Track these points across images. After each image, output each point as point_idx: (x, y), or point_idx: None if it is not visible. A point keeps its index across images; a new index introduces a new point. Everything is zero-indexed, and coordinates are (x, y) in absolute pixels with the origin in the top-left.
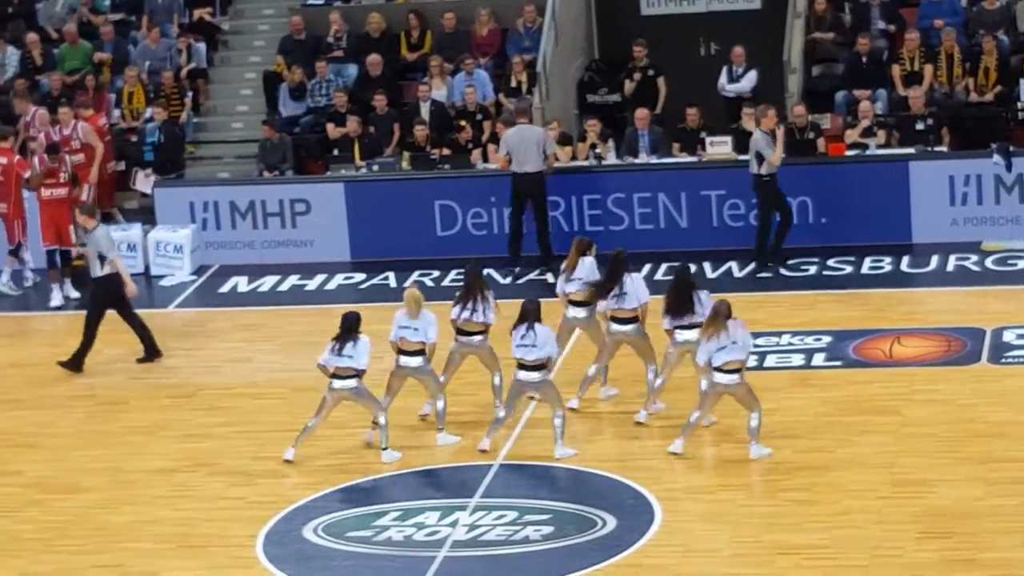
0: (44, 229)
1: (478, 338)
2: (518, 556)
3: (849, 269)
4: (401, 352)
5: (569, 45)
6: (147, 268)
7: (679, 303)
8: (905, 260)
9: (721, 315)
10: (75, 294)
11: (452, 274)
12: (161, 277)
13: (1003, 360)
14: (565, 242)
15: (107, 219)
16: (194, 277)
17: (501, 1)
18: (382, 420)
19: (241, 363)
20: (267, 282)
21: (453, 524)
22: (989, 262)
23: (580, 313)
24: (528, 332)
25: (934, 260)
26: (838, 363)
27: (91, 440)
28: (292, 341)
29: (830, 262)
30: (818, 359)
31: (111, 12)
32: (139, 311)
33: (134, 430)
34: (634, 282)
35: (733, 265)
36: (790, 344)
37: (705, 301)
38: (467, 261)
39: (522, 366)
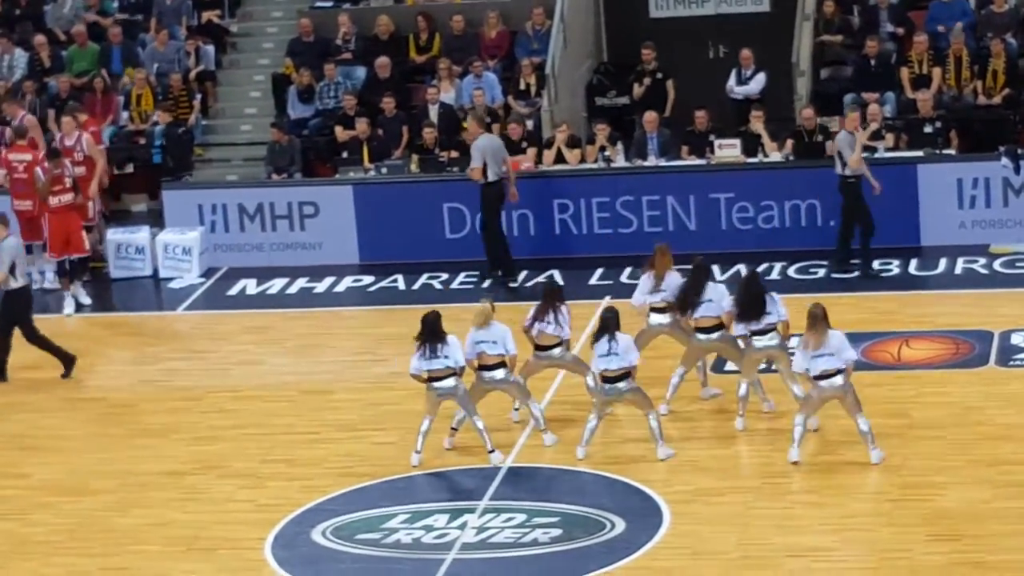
0: (52, 239)
1: (557, 351)
2: (527, 559)
3: (858, 272)
4: (482, 367)
5: (578, 47)
6: (156, 271)
7: (751, 307)
8: (913, 263)
9: (819, 320)
10: (87, 300)
11: (461, 277)
12: (170, 280)
13: (1011, 363)
14: (560, 247)
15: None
16: (203, 280)
17: (510, 4)
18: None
19: (250, 366)
20: (276, 284)
21: (462, 527)
22: (997, 265)
23: (664, 319)
24: (610, 342)
25: (942, 263)
26: None
27: (100, 443)
28: (301, 344)
29: None
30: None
31: (119, 13)
32: (147, 314)
33: (143, 433)
34: (716, 290)
35: (741, 268)
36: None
37: (777, 302)
38: (476, 264)
39: (606, 378)
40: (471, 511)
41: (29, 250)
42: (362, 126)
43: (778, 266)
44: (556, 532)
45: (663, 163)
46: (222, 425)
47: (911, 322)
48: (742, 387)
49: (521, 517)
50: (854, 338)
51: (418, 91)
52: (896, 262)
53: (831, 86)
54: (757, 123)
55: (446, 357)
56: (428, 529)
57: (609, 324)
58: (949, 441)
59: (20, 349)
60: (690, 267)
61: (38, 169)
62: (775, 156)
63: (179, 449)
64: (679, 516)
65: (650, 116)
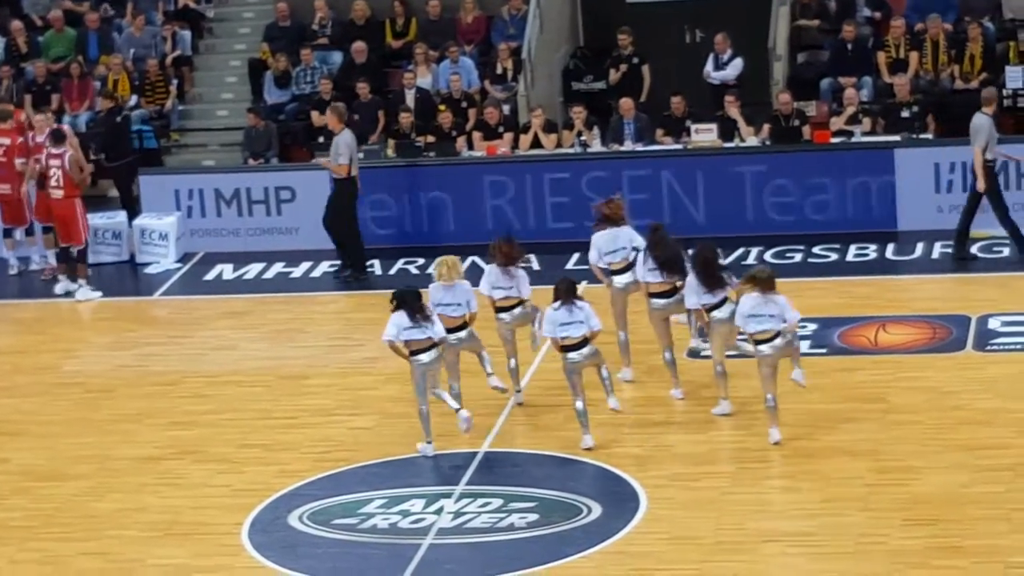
0: (55, 227)
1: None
2: (503, 543)
3: (834, 256)
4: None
5: (554, 32)
6: (132, 256)
7: (709, 279)
8: (890, 247)
9: (763, 282)
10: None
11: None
12: (146, 265)
13: (988, 347)
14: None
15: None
16: (179, 265)
17: None
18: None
19: (226, 351)
20: (252, 270)
21: (438, 512)
22: (975, 249)
23: (627, 279)
24: (571, 310)
25: (919, 247)
26: (823, 350)
27: (78, 428)
28: (277, 329)
29: (815, 249)
30: (804, 346)
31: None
32: (124, 299)
33: (120, 418)
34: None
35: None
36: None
37: (731, 276)
38: (453, 249)
39: (567, 347)
40: (447, 496)
41: (8, 234)
42: None
43: (754, 251)
44: (533, 517)
45: (640, 148)
46: (199, 410)
47: (888, 306)
48: (667, 354)
49: (498, 502)
50: (831, 323)
51: (394, 76)
52: (873, 247)
53: (808, 71)
54: (732, 108)
55: (431, 323)
56: (405, 514)
57: (565, 292)
58: (926, 426)
59: (1, 332)
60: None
61: (68, 155)
62: (752, 141)
63: (156, 434)
64: (655, 501)
65: (626, 103)
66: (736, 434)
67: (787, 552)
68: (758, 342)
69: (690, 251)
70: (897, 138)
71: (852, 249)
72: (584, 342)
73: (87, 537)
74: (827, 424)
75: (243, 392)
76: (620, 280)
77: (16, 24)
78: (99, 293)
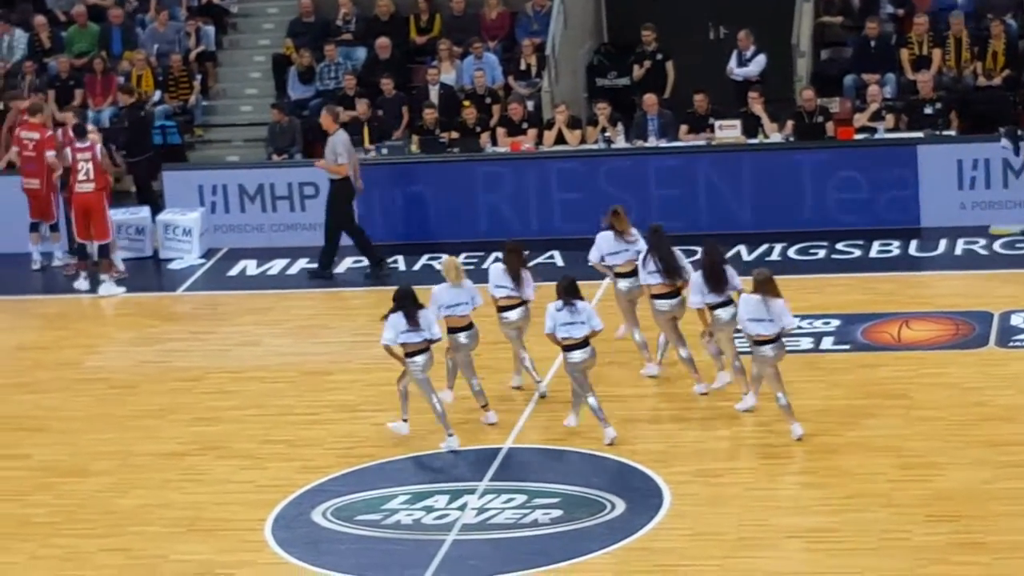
0: (77, 221)
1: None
2: (527, 539)
3: (857, 253)
4: (452, 330)
5: (578, 28)
6: (156, 251)
7: (714, 279)
8: (913, 244)
9: (764, 284)
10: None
11: (461, 257)
12: (170, 260)
13: (1011, 344)
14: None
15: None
16: (203, 260)
17: None
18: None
19: (250, 346)
20: (276, 265)
21: (462, 507)
22: (997, 246)
23: (631, 283)
24: (572, 310)
25: (942, 244)
26: (847, 347)
27: (100, 424)
28: (301, 324)
29: (839, 245)
30: (827, 343)
31: None
32: (148, 295)
33: (143, 414)
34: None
35: (742, 249)
36: (799, 328)
37: (735, 275)
38: (475, 245)
39: (569, 346)
40: (471, 492)
41: (34, 228)
42: (362, 107)
43: (778, 247)
44: (556, 513)
45: (664, 144)
46: (222, 406)
47: (911, 303)
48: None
49: (521, 498)
50: (854, 319)
51: (418, 72)
52: (896, 243)
53: (831, 67)
54: (756, 104)
55: (425, 329)
56: (428, 510)
57: (566, 291)
58: (949, 422)
59: (23, 328)
60: (648, 232)
61: (99, 148)
62: (775, 137)
63: (179, 430)
64: (679, 497)
65: (650, 99)
66: (759, 430)
67: (810, 548)
68: (759, 343)
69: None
70: (920, 135)
71: (875, 245)
72: (586, 342)
73: (109, 533)
74: (850, 420)
75: (266, 388)
76: (623, 283)
77: (39, 19)
78: (123, 289)
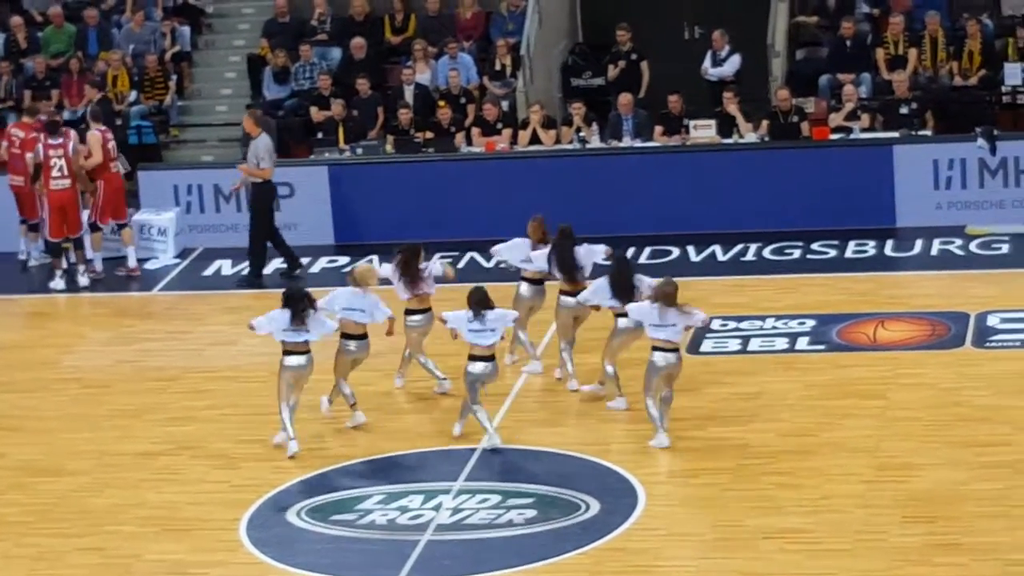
0: (52, 219)
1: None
2: (502, 540)
3: (833, 253)
4: (346, 336)
5: (553, 28)
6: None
7: (621, 288)
8: (889, 244)
9: (668, 297)
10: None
11: (436, 258)
12: (145, 260)
13: (987, 344)
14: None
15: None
16: (178, 260)
17: None
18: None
19: (225, 346)
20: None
21: (437, 508)
22: (973, 246)
23: (533, 289)
24: (482, 319)
25: (918, 244)
26: (822, 347)
27: (75, 423)
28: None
29: (814, 246)
30: (802, 343)
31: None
32: (123, 294)
33: (118, 413)
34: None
35: (716, 249)
36: (774, 328)
37: (644, 282)
38: (451, 245)
39: (477, 357)
40: (446, 492)
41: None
42: (337, 107)
43: (753, 247)
44: (531, 513)
45: (638, 144)
46: (197, 406)
47: (887, 303)
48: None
49: (496, 498)
50: (830, 319)
51: (393, 72)
52: (872, 243)
53: (806, 67)
54: (731, 104)
55: (308, 331)
56: (403, 510)
57: (478, 301)
58: (925, 423)
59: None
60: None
61: (71, 145)
62: (750, 137)
63: (154, 430)
64: (654, 497)
65: (624, 99)
66: (735, 431)
67: (786, 549)
68: (655, 348)
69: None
70: (896, 135)
71: (851, 245)
72: (492, 356)
73: (84, 532)
74: (825, 421)
75: (241, 388)
76: (526, 290)
77: (16, 20)
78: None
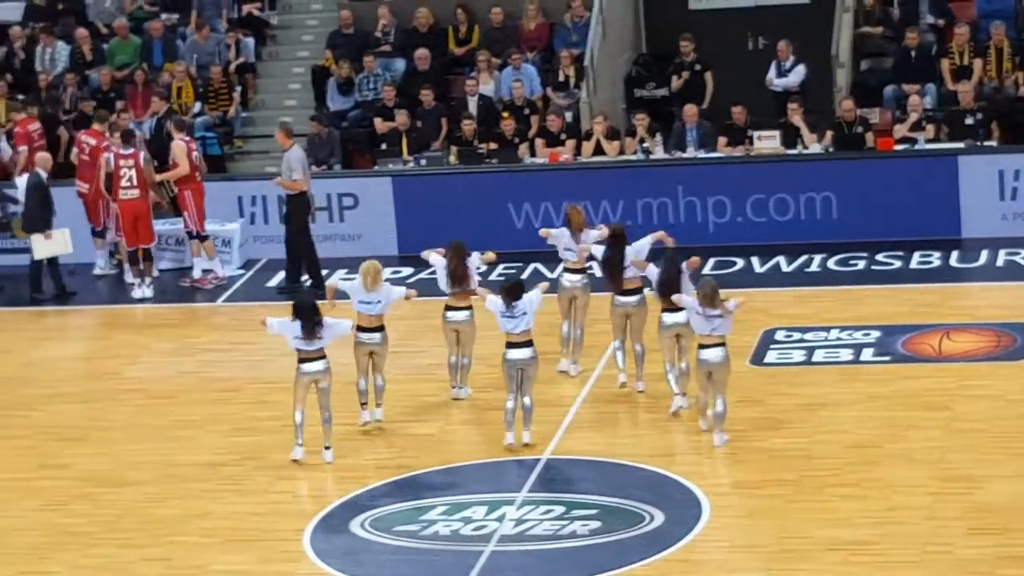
0: (125, 229)
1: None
2: (565, 551)
3: (898, 264)
4: (360, 329)
5: (616, 39)
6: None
7: (666, 286)
8: (954, 255)
9: (709, 295)
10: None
11: (500, 268)
12: (209, 271)
13: None
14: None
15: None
16: (242, 271)
17: None
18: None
19: (288, 357)
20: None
21: (500, 519)
22: None
23: (576, 279)
24: (514, 306)
25: (983, 255)
26: (887, 358)
27: (140, 434)
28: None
29: (879, 256)
30: (867, 354)
31: (151, 5)
32: (188, 305)
33: (183, 424)
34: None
35: (781, 260)
36: (839, 339)
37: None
38: (516, 255)
39: (511, 344)
40: (510, 503)
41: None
42: (401, 118)
43: (817, 258)
44: (595, 524)
45: (702, 155)
46: (260, 416)
47: (952, 314)
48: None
49: (560, 509)
50: (895, 330)
51: (457, 83)
52: (937, 254)
53: (871, 78)
54: (795, 115)
55: (321, 339)
56: (466, 521)
57: (509, 290)
58: (991, 434)
59: (63, 338)
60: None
61: (143, 156)
62: (814, 148)
63: (218, 440)
64: (718, 509)
65: (690, 109)
66: (799, 442)
67: (850, 560)
68: (702, 346)
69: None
70: (961, 145)
71: (916, 256)
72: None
73: (149, 543)
74: (890, 432)
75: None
76: (567, 279)
77: (81, 32)
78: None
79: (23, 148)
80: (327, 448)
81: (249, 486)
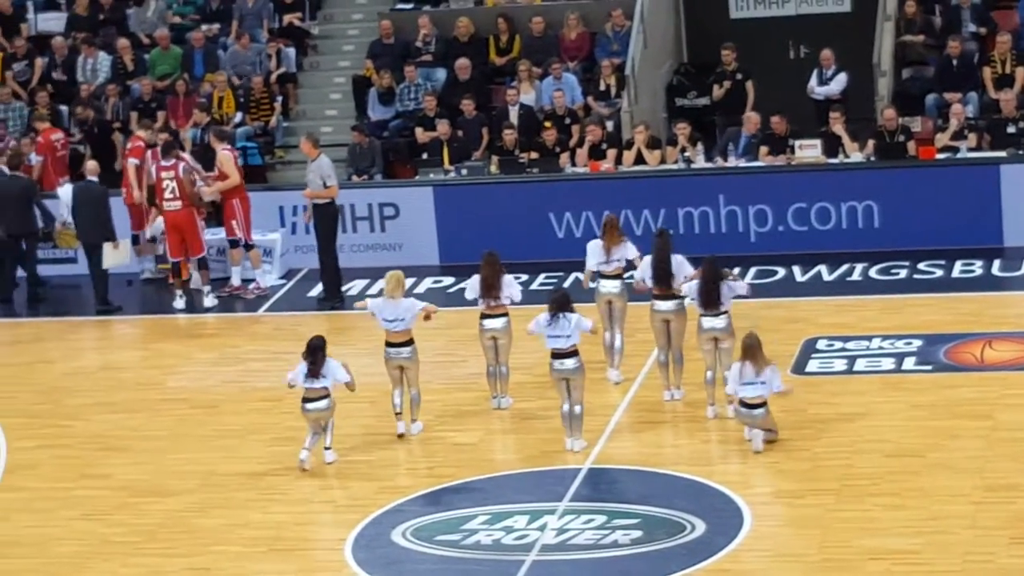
0: (169, 239)
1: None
2: (607, 560)
3: (940, 272)
4: (389, 344)
5: (658, 48)
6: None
7: (707, 293)
8: (996, 263)
9: (753, 349)
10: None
11: (540, 278)
12: (250, 281)
13: None
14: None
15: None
16: (283, 281)
17: (590, 5)
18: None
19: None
20: (356, 286)
21: (542, 528)
22: None
23: (614, 286)
24: (561, 321)
25: None
26: (929, 367)
27: (181, 443)
28: (380, 345)
29: (920, 265)
30: (909, 363)
31: (192, 16)
32: (229, 315)
33: (224, 433)
34: (675, 260)
35: (822, 268)
36: (880, 348)
37: (734, 288)
38: (557, 265)
39: (556, 355)
40: (551, 512)
41: (136, 240)
42: (442, 127)
43: (859, 267)
44: (637, 534)
45: (743, 164)
46: (302, 426)
47: (994, 323)
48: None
49: (601, 519)
50: (937, 339)
51: (498, 92)
52: (979, 263)
53: (913, 86)
54: (836, 124)
55: (324, 377)
56: (508, 530)
57: (556, 302)
58: None
59: (105, 348)
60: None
61: (183, 167)
62: (856, 157)
63: (259, 450)
64: (760, 518)
65: (752, 117)
66: (840, 451)
67: (893, 570)
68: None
69: None
70: (1003, 154)
71: (958, 265)
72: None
73: (190, 552)
74: (932, 441)
75: (347, 408)
76: (604, 285)
77: (123, 42)
78: (216, 301)
79: (40, 157)
80: (327, 448)
81: (291, 495)
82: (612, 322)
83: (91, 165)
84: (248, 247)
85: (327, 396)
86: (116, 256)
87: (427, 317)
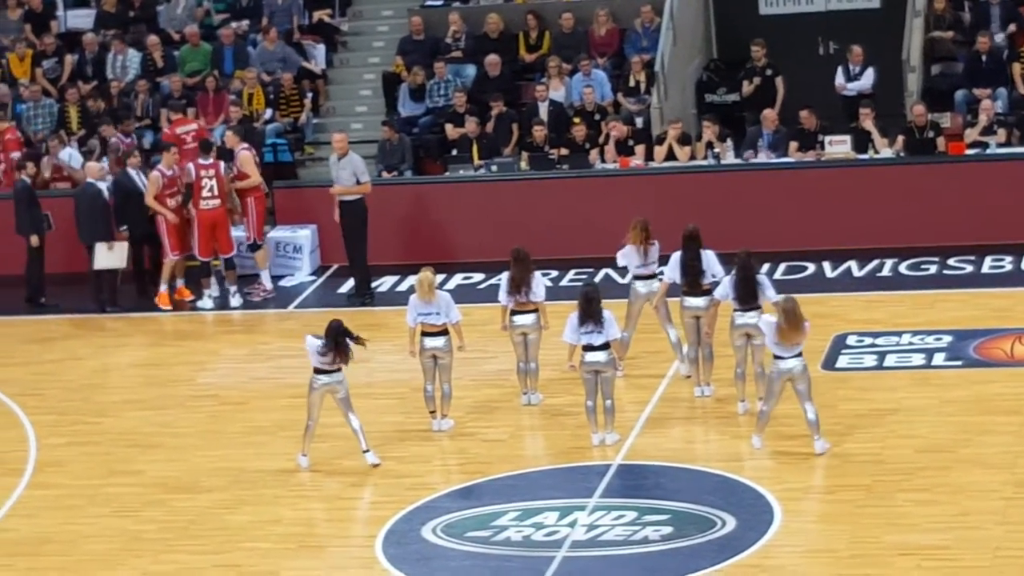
0: (201, 238)
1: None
2: (637, 556)
3: (969, 268)
4: (424, 334)
5: (687, 45)
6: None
7: (743, 289)
8: None
9: (792, 315)
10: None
11: (571, 274)
12: (281, 277)
13: None
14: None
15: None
16: (313, 277)
17: (619, 1)
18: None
19: (360, 363)
20: (386, 282)
21: (572, 524)
22: None
23: (648, 286)
24: (595, 319)
25: None
26: (959, 363)
27: (212, 440)
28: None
29: (950, 261)
30: (939, 359)
31: (221, 13)
32: (259, 312)
33: (255, 430)
34: (706, 257)
35: (852, 264)
36: (910, 344)
37: (768, 285)
38: (589, 261)
39: (588, 348)
40: (581, 508)
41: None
42: (472, 124)
43: (889, 263)
44: (667, 530)
45: (773, 160)
46: (332, 423)
47: None
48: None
49: (632, 515)
50: (967, 335)
51: (528, 89)
52: (1009, 258)
53: (942, 82)
54: (867, 120)
55: (338, 370)
56: (538, 527)
57: (586, 297)
58: None
59: (135, 345)
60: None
61: (223, 165)
62: (886, 152)
63: (290, 446)
64: (790, 514)
65: (769, 114)
66: (871, 447)
67: (922, 566)
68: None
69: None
70: None
71: (988, 261)
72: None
73: (221, 549)
74: (963, 437)
75: (376, 405)
76: (640, 285)
77: (152, 39)
78: (242, 300)
79: (15, 154)
80: (366, 451)
81: (321, 492)
82: (635, 322)
83: (93, 167)
84: (254, 247)
85: (339, 371)
86: (110, 257)
87: (460, 348)
